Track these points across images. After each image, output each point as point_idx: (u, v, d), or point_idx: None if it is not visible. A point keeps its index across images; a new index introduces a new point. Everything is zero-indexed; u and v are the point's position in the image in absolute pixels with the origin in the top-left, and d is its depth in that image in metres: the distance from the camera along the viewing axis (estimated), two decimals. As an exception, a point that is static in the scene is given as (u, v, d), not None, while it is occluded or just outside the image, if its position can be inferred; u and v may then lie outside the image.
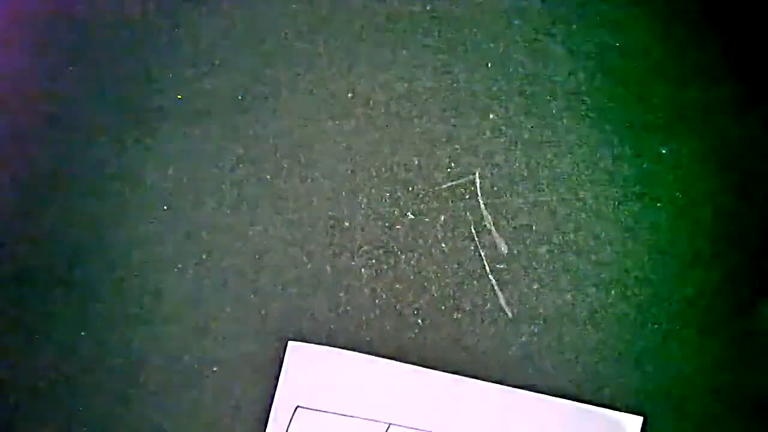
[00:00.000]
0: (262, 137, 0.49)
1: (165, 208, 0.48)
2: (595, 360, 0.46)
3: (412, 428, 0.46)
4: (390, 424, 0.46)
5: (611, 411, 0.45)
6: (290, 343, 0.47)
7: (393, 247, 0.47)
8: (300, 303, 0.47)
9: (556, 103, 0.47)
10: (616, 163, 0.47)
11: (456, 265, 0.47)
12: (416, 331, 0.47)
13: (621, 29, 0.48)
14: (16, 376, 0.47)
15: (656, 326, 0.46)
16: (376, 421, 0.46)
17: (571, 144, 0.48)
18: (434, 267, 0.47)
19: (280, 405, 0.47)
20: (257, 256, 0.48)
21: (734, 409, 0.45)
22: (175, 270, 0.48)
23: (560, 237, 0.47)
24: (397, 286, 0.47)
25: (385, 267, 0.47)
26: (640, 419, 0.45)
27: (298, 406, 0.47)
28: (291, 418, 0.47)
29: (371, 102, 0.48)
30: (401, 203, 0.48)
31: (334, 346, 0.47)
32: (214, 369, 0.47)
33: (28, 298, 0.48)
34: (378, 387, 0.47)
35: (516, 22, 0.48)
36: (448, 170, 0.48)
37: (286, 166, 0.49)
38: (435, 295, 0.47)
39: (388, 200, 0.48)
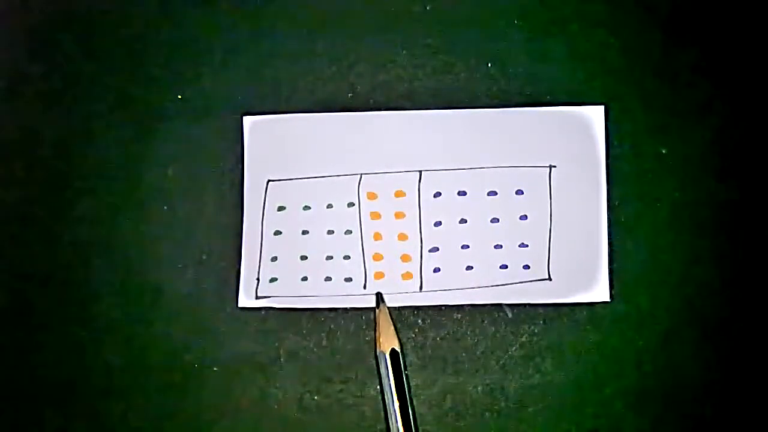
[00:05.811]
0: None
1: (165, 208, 0.48)
2: (596, 360, 0.46)
3: (384, 173, 0.47)
4: (362, 174, 0.47)
5: (573, 106, 0.47)
6: (245, 118, 0.48)
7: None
8: (300, 303, 0.47)
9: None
10: (616, 163, 0.47)
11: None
12: (416, 330, 0.47)
13: (621, 29, 0.48)
14: (16, 376, 0.47)
15: (656, 326, 0.46)
16: (348, 174, 0.47)
17: (571, 144, 0.48)
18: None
19: (251, 183, 0.47)
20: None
21: (734, 409, 0.45)
22: (175, 270, 0.48)
23: (560, 237, 0.47)
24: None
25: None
26: (601, 108, 0.47)
27: (269, 180, 0.47)
28: (265, 193, 0.47)
29: (371, 102, 0.48)
30: (401, 203, 0.48)
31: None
32: (214, 369, 0.47)
33: (28, 298, 0.48)
34: (343, 142, 0.47)
35: (516, 22, 0.48)
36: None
37: (286, 166, 0.49)
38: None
39: (388, 200, 0.48)
